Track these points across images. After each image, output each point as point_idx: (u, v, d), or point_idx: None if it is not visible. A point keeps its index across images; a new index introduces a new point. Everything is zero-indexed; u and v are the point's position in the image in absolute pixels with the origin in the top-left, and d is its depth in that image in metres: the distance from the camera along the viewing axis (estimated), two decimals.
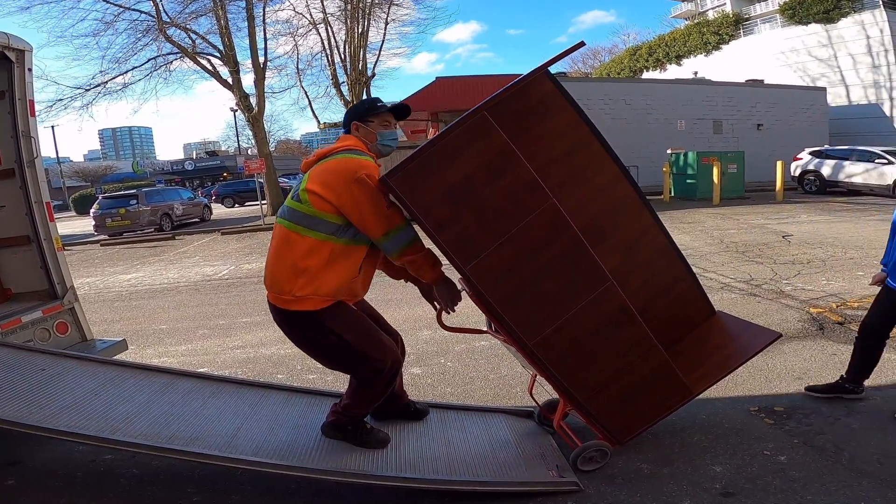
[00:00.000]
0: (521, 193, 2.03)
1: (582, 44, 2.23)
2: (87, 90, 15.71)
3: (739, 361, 2.49)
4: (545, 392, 2.79)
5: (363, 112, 2.29)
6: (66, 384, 2.50)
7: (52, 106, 15.26)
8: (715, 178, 13.15)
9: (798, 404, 2.92)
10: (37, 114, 3.46)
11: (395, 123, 2.35)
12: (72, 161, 62.03)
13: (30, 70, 3.35)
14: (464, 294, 2.38)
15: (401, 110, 2.35)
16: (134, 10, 15.43)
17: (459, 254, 2.04)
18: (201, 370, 3.90)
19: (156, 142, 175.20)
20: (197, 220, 18.83)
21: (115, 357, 3.29)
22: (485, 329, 2.62)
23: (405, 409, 2.62)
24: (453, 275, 2.24)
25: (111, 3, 15.12)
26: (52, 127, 36.98)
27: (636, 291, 2.50)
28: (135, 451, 2.08)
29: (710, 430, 2.69)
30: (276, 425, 2.38)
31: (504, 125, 2.03)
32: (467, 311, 2.54)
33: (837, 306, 4.57)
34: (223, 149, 56.54)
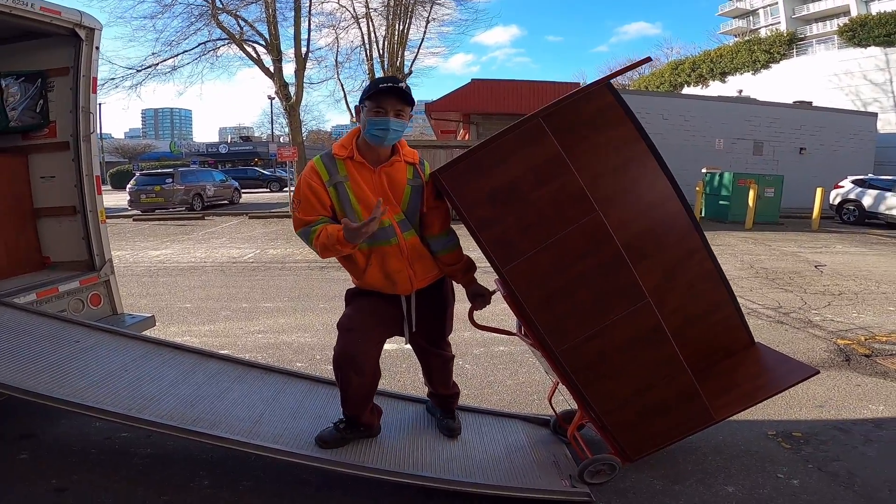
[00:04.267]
0: (567, 202, 2.03)
1: (649, 59, 2.22)
2: (138, 71, 16.29)
3: (768, 393, 2.44)
4: (563, 402, 2.80)
5: (364, 94, 2.09)
6: (97, 358, 2.56)
7: (103, 85, 15.82)
8: (750, 202, 12.81)
9: (817, 431, 2.93)
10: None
11: (391, 111, 2.02)
12: (113, 138, 63.92)
13: (97, 48, 3.43)
14: (497, 296, 2.40)
15: (386, 92, 2.02)
16: None
17: (498, 254, 2.06)
18: (222, 352, 3.98)
19: (194, 124, 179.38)
20: (226, 202, 19.24)
21: (143, 333, 3.37)
22: (514, 331, 2.62)
23: (435, 406, 2.63)
24: (489, 275, 2.25)
25: None
26: (99, 104, 38.47)
27: (672, 312, 2.46)
28: (160, 431, 2.10)
29: (726, 450, 2.71)
30: (297, 414, 2.41)
31: (558, 133, 2.03)
32: (493, 313, 2.54)
33: (866, 339, 4.49)
34: (256, 135, 57.59)
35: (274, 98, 27.08)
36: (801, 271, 7.55)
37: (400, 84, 2.07)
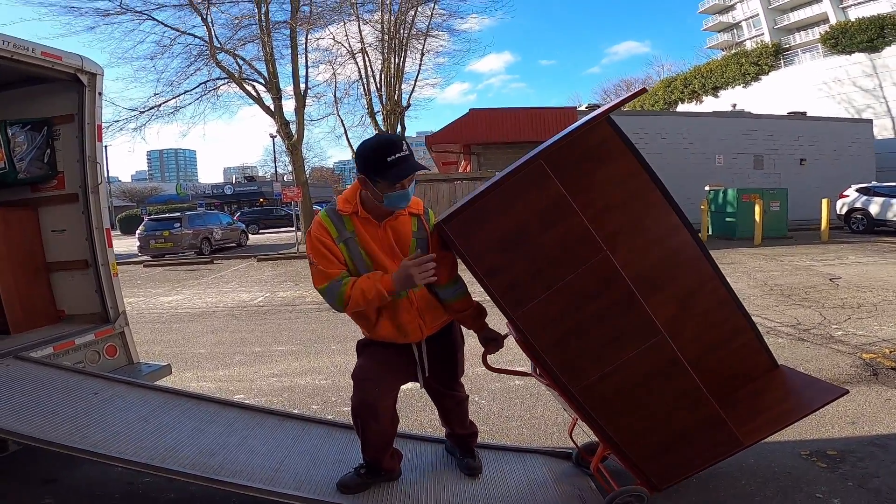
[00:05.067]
0: (574, 244, 2.02)
1: (644, 90, 2.23)
2: (141, 112, 16.60)
3: (797, 416, 2.39)
4: (583, 434, 2.74)
5: (370, 168, 1.97)
6: (117, 409, 2.57)
7: (108, 127, 16.05)
8: (756, 217, 12.73)
9: (852, 448, 2.87)
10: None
11: (407, 181, 1.99)
12: (120, 181, 64.94)
13: (100, 94, 3.41)
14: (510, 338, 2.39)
15: (406, 172, 1.96)
16: (189, 34, 16.41)
17: (508, 301, 2.05)
18: (238, 397, 3.96)
19: (199, 165, 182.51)
20: (234, 244, 19.38)
21: (158, 381, 3.36)
22: (529, 372, 2.60)
23: (454, 445, 2.61)
24: (500, 319, 2.24)
25: (169, 27, 16.10)
26: (105, 147, 39.30)
27: (689, 342, 2.44)
28: (183, 480, 2.09)
29: (759, 473, 2.66)
30: (317, 460, 2.39)
31: (560, 171, 2.03)
32: (505, 349, 2.53)
33: (891, 352, 4.42)
34: (261, 174, 58.44)
35: (276, 136, 27.53)
36: (817, 285, 7.47)
37: (404, 150, 1.96)
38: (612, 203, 2.37)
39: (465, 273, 2.29)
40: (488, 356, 2.42)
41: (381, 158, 1.95)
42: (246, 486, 2.06)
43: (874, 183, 15.14)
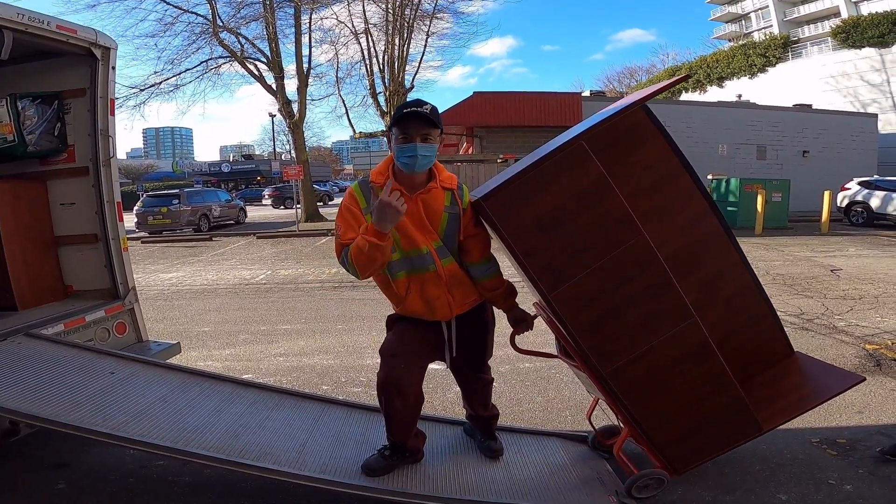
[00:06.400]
0: (612, 225, 2.01)
1: (689, 76, 2.21)
2: (141, 90, 16.34)
3: (815, 402, 2.42)
4: (598, 417, 2.77)
5: (392, 119, 2.06)
6: (135, 389, 2.53)
7: None
8: (759, 207, 12.78)
9: (861, 437, 2.91)
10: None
11: (417, 136, 1.99)
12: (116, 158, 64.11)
13: (113, 68, 3.37)
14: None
15: (410, 117, 1.98)
16: (191, 12, 16.12)
17: (545, 280, 2.04)
18: (246, 377, 3.94)
19: (195, 143, 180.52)
20: (232, 222, 19.27)
21: (172, 361, 3.32)
22: (555, 353, 2.60)
23: (475, 428, 2.61)
24: (529, 298, 2.22)
25: (171, 5, 15.78)
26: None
27: (712, 326, 2.44)
28: (212, 465, 2.06)
29: (772, 459, 2.70)
30: (339, 442, 2.39)
31: (599, 153, 2.02)
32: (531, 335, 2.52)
33: (893, 343, 4.48)
34: (258, 153, 57.98)
35: (275, 115, 27.19)
36: (818, 276, 7.51)
37: (424, 107, 2.01)
38: (642, 187, 2.36)
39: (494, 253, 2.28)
40: (516, 337, 2.41)
41: (400, 109, 2.04)
42: (274, 469, 2.04)
43: (876, 177, 15.19)
